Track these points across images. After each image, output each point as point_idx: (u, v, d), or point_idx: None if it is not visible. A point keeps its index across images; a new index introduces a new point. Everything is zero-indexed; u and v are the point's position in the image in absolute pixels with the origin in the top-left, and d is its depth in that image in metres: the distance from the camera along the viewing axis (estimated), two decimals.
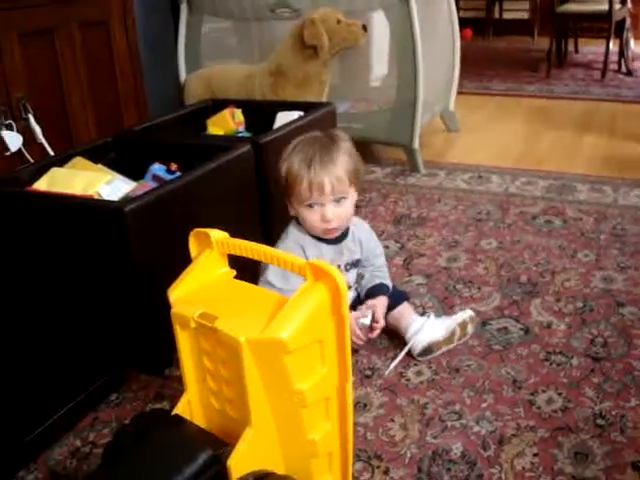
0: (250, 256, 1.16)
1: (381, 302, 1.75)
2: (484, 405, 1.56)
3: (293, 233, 1.69)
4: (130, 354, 1.75)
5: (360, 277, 1.83)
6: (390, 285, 1.82)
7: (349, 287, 1.75)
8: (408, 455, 1.43)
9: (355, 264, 1.77)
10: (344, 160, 1.59)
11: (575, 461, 1.39)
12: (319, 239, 1.67)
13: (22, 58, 2.21)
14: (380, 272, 1.83)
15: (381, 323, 1.73)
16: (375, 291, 1.78)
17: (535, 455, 1.41)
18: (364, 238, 1.78)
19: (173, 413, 1.21)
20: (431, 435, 1.48)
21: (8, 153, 2.19)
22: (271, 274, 1.60)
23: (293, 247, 1.65)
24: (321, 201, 1.58)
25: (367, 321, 1.68)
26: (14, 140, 2.19)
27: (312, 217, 1.62)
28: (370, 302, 1.74)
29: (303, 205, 1.60)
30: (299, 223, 1.67)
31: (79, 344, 1.75)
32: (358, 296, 1.83)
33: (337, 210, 1.61)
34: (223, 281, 1.21)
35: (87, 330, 1.77)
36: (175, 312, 1.15)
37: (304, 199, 1.59)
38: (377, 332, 1.74)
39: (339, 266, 1.71)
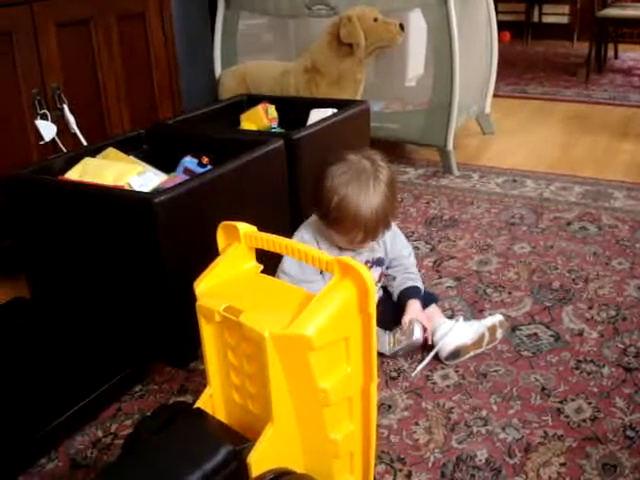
0: (278, 251, 1.15)
1: (415, 307, 1.74)
2: (511, 412, 1.53)
3: (312, 226, 1.67)
4: (156, 346, 1.75)
5: (392, 278, 1.82)
6: (422, 287, 1.81)
7: None
8: (432, 460, 1.40)
9: (378, 263, 1.75)
10: (387, 196, 1.55)
11: (603, 472, 1.35)
12: None
13: (58, 48, 2.21)
14: (411, 274, 1.81)
15: (426, 324, 1.72)
16: (408, 293, 1.77)
17: (562, 465, 1.38)
18: (388, 238, 1.75)
19: (195, 406, 1.20)
20: (456, 440, 1.45)
21: (42, 142, 2.19)
22: (287, 264, 1.60)
23: (308, 241, 1.63)
24: None
25: (420, 336, 1.67)
26: (48, 129, 2.19)
27: (346, 245, 1.63)
28: (407, 318, 1.71)
29: (341, 239, 1.60)
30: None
31: (105, 334, 1.75)
32: (389, 295, 1.83)
33: None
34: (250, 275, 1.20)
35: (114, 321, 1.77)
36: (200, 305, 1.14)
37: (350, 240, 1.58)
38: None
39: None
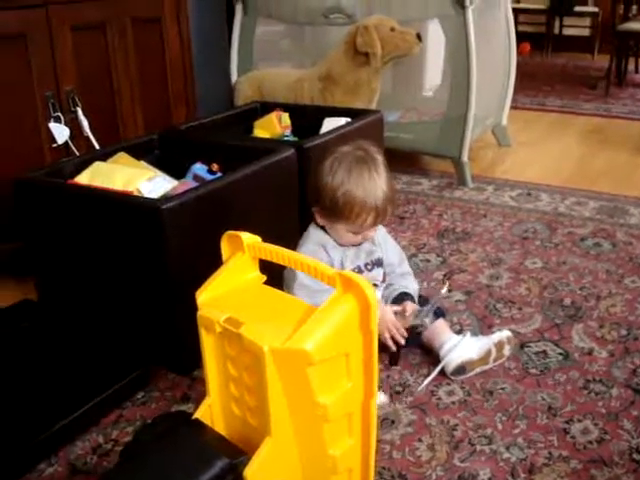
0: (281, 262, 1.14)
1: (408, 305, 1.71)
2: (516, 431, 1.51)
3: (315, 235, 1.67)
4: (159, 353, 1.74)
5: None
6: (412, 292, 1.77)
7: (375, 285, 1.73)
8: (433, 477, 1.38)
9: (378, 263, 1.74)
10: (389, 180, 1.59)
11: None
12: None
13: (74, 51, 2.22)
14: (401, 281, 1.78)
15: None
16: (397, 301, 1.73)
17: None
18: (382, 240, 1.76)
19: (194, 417, 1.19)
20: (459, 458, 1.43)
21: (55, 145, 2.20)
22: (301, 275, 1.57)
23: (316, 250, 1.63)
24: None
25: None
26: (61, 132, 2.20)
27: (354, 239, 1.63)
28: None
29: (349, 229, 1.60)
30: (319, 225, 1.66)
31: (110, 340, 1.75)
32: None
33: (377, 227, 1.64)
34: (252, 286, 1.19)
35: (119, 326, 1.76)
36: (201, 315, 1.13)
37: (359, 228, 1.59)
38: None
39: (358, 267, 1.69)
